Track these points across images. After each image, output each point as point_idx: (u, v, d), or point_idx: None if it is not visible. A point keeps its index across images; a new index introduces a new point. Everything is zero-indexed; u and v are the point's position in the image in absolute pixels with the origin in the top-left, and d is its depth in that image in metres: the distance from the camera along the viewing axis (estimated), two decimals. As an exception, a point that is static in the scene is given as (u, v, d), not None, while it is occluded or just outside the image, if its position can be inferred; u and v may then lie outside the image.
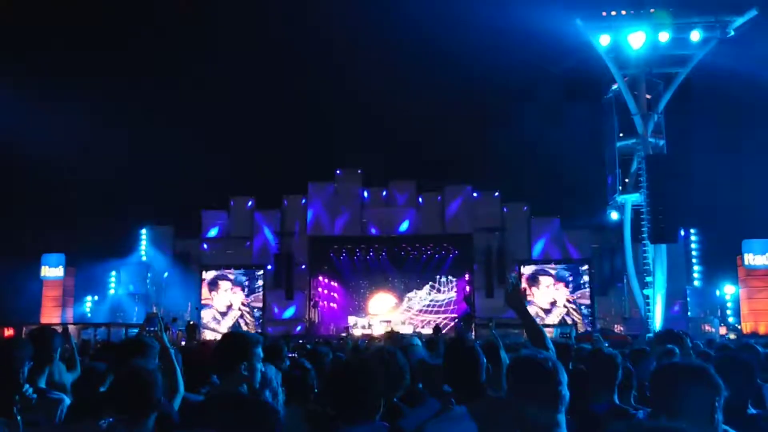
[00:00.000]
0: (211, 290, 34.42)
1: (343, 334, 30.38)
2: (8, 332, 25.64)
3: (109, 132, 33.46)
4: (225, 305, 34.37)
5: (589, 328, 30.72)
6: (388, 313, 37.77)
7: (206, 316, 33.99)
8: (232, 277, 34.59)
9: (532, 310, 32.20)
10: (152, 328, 4.96)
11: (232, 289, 34.49)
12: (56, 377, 5.15)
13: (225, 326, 33.50)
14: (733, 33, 27.14)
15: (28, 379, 4.08)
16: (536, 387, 2.71)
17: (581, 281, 33.25)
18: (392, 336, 6.88)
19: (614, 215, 30.99)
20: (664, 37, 27.64)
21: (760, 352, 5.37)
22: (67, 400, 4.12)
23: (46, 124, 31.59)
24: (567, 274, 33.32)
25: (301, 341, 22.22)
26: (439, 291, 38.08)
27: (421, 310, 38.07)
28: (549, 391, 2.69)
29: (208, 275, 34.54)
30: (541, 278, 33.30)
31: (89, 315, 33.92)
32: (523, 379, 2.77)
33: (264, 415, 3.60)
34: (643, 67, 28.48)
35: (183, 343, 23.51)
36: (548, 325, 31.23)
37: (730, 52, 27.00)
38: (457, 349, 3.83)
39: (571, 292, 33.07)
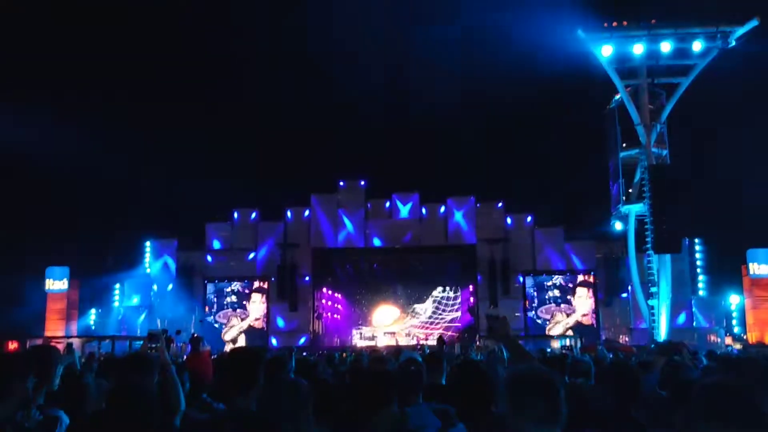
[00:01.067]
0: (243, 301, 34.48)
1: (348, 347, 30.38)
2: (12, 345, 25.66)
3: (113, 146, 33.63)
4: (257, 315, 34.37)
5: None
6: (391, 324, 37.68)
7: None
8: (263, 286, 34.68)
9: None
10: (155, 344, 4.97)
11: (262, 299, 34.52)
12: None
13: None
14: (734, 43, 27.17)
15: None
16: (534, 402, 2.66)
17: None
18: (398, 353, 6.89)
19: (618, 225, 30.94)
20: (665, 47, 27.70)
21: (762, 365, 5.32)
22: (65, 418, 4.11)
23: (51, 138, 31.72)
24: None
25: (304, 353, 22.22)
26: (442, 302, 37.99)
27: (424, 322, 37.97)
28: (547, 406, 2.64)
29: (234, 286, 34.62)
30: (579, 289, 33.26)
31: (93, 327, 33.93)
32: (520, 394, 2.71)
33: None
34: (645, 78, 28.53)
35: (185, 356, 23.46)
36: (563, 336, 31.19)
37: (732, 62, 27.06)
38: (467, 375, 3.79)
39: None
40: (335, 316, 38.42)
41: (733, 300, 33.02)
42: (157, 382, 4.32)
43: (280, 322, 34.57)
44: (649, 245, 27.40)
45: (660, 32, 27.66)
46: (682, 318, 30.95)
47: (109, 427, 3.34)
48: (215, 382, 3.92)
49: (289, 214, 35.89)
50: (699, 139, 31.84)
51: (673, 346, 6.03)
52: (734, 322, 33.02)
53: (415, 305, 38.16)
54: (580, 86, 31.23)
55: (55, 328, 32.27)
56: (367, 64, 37.18)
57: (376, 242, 35.34)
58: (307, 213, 35.69)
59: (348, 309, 38.91)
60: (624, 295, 32.72)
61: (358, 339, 36.32)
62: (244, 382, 3.70)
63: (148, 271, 35.74)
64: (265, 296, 34.35)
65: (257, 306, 34.26)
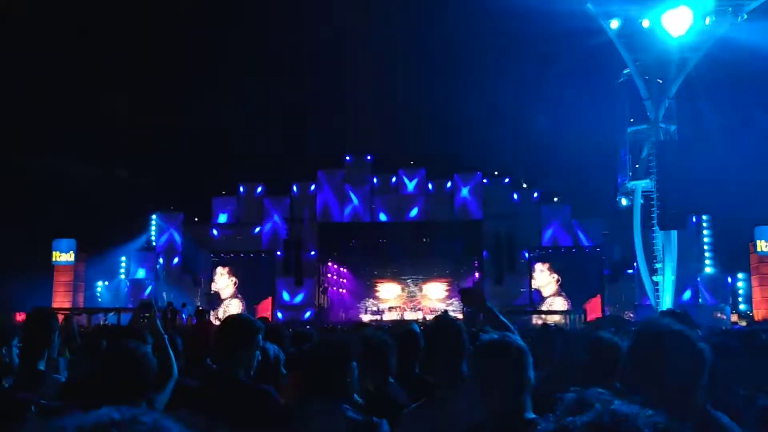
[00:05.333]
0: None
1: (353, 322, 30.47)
2: (20, 317, 25.89)
3: (120, 119, 33.62)
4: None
5: None
6: (397, 299, 37.78)
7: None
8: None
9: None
10: (147, 313, 4.97)
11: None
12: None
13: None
14: (745, 17, 26.74)
15: (29, 363, 4.16)
16: (500, 370, 2.68)
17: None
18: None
19: (624, 201, 30.80)
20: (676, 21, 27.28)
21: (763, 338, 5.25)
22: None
23: (59, 110, 31.74)
24: None
25: (308, 327, 22.36)
26: (448, 277, 38.00)
27: (431, 297, 38.04)
28: (514, 375, 2.67)
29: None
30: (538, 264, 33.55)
31: (100, 300, 34.17)
32: (486, 362, 2.74)
33: (262, 403, 3.57)
34: (655, 52, 28.16)
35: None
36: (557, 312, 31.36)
37: (742, 36, 26.64)
38: (439, 332, 3.75)
39: None
40: (341, 290, 38.54)
41: (740, 277, 32.92)
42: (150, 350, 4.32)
43: (286, 296, 34.71)
44: (654, 222, 27.26)
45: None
46: (687, 294, 30.85)
47: (104, 392, 3.33)
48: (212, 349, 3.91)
49: (295, 188, 35.90)
50: (708, 115, 31.48)
51: (673, 315, 5.95)
52: (740, 299, 32.93)
53: (421, 280, 38.18)
54: (588, 61, 30.88)
55: (62, 300, 32.51)
56: (375, 38, 36.87)
57: (383, 217, 35.32)
58: (313, 187, 35.68)
59: (354, 284, 39.01)
60: (629, 271, 32.65)
61: (364, 313, 36.43)
62: (230, 349, 3.70)
63: (155, 244, 35.93)
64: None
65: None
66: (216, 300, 33.73)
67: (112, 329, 6.26)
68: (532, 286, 33.17)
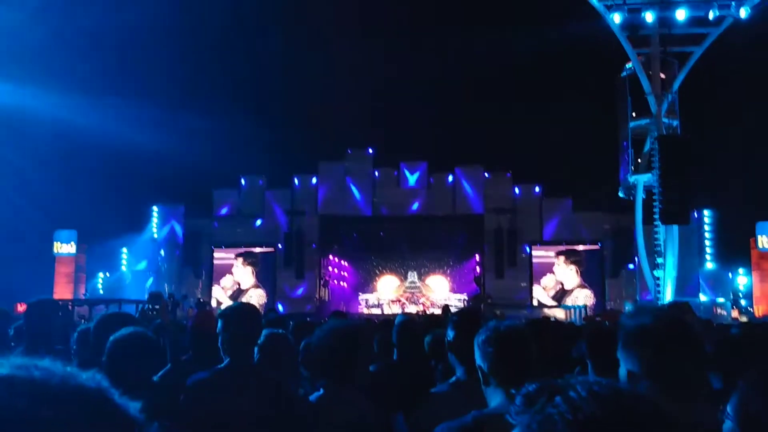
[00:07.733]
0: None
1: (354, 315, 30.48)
2: (21, 308, 25.91)
3: (123, 110, 33.58)
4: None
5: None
6: (397, 292, 37.80)
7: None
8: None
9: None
10: (156, 306, 5.01)
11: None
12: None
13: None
14: (750, 11, 26.63)
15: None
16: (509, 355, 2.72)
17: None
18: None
19: (626, 196, 30.74)
20: (680, 15, 27.20)
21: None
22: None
23: (60, 100, 31.66)
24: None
25: (308, 319, 22.39)
26: (449, 271, 38.01)
27: (431, 290, 38.06)
28: (521, 359, 2.71)
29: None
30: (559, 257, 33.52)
31: (101, 291, 34.17)
32: (496, 347, 2.77)
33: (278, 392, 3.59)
34: (658, 46, 28.06)
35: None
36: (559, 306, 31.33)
37: (745, 31, 26.57)
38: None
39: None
40: (342, 283, 38.55)
41: (741, 273, 32.88)
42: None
43: (287, 289, 34.75)
44: (656, 216, 27.21)
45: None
46: (688, 290, 30.83)
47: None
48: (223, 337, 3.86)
49: (296, 181, 35.84)
50: (711, 109, 31.42)
51: (677, 306, 5.91)
52: (741, 295, 32.88)
53: (422, 273, 38.19)
54: (591, 54, 30.80)
55: (63, 292, 32.49)
56: (374, 30, 36.76)
57: (384, 211, 35.28)
58: (314, 180, 35.62)
59: (354, 277, 39.02)
60: (630, 266, 32.62)
61: (364, 307, 36.46)
62: (250, 337, 3.74)
63: (156, 236, 35.90)
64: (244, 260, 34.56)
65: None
66: (237, 292, 33.80)
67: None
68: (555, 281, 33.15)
